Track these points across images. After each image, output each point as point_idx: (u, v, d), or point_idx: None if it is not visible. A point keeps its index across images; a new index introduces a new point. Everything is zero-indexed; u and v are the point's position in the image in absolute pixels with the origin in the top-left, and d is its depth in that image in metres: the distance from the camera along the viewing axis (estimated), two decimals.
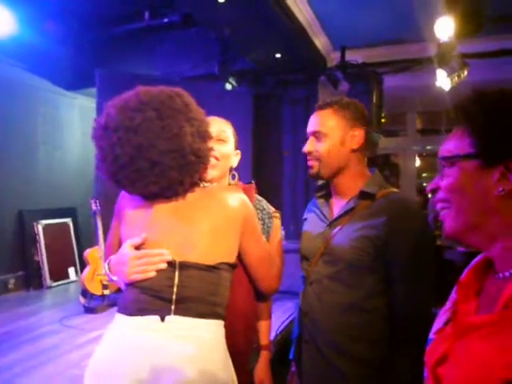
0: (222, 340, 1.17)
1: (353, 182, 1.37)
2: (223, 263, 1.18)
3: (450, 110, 0.85)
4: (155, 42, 4.44)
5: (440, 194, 0.81)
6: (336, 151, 1.34)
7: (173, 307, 1.09)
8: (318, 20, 3.83)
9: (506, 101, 0.76)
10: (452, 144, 0.80)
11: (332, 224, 1.39)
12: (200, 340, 1.08)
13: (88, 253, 3.75)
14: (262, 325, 1.55)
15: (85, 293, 3.61)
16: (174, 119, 1.10)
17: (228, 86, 4.38)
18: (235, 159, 1.52)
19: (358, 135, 1.35)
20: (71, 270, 4.91)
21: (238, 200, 1.24)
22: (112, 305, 3.61)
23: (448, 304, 0.89)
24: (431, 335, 0.88)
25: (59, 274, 4.74)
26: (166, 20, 4.05)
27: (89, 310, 3.51)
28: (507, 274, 0.74)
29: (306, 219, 1.55)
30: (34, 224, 4.68)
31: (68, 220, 5.15)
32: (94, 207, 3.79)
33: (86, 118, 5.64)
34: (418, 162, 5.74)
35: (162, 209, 1.19)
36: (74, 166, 5.52)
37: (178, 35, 4.22)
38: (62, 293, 4.47)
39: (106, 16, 4.07)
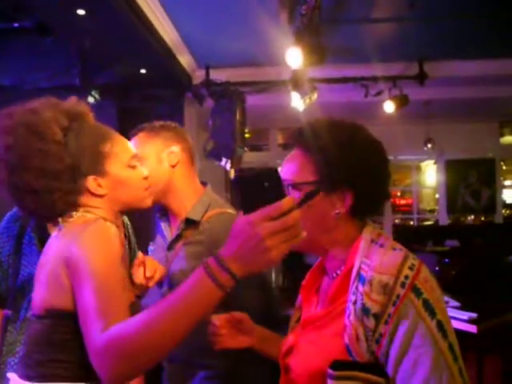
0: None
1: (185, 201, 1.37)
2: (52, 310, 0.95)
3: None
4: (3, 47, 4.04)
5: None
6: (154, 171, 1.31)
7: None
8: (182, 39, 3.93)
9: (335, 130, 0.90)
10: (295, 168, 0.90)
11: (170, 247, 1.40)
12: None
13: None
14: None
15: None
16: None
17: (90, 99, 4.20)
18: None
19: (174, 151, 1.36)
20: None
21: (67, 235, 0.99)
22: None
23: (297, 303, 1.04)
24: (288, 332, 1.01)
25: None
26: (15, 25, 3.74)
27: None
28: (334, 275, 0.90)
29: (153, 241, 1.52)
30: None
31: None
32: None
33: None
34: None
35: None
36: None
37: (31, 42, 3.90)
38: None
39: None
